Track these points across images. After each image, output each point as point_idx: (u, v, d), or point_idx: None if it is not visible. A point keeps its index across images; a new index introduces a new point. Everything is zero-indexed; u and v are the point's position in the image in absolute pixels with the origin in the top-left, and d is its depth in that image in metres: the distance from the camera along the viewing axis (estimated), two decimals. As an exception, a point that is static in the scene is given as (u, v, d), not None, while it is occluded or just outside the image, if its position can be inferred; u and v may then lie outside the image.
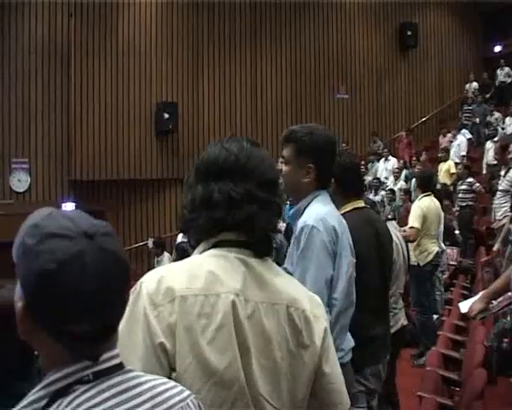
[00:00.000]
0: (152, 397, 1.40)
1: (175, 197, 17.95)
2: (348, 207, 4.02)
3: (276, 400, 1.76)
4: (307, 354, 1.82)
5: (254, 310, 1.74)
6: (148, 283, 1.72)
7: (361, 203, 4.15)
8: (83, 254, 1.29)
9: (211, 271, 1.74)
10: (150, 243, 14.75)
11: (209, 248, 1.83)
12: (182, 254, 9.78)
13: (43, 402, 1.30)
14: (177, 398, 1.46)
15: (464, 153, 16.58)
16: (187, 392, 1.52)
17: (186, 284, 1.70)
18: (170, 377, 1.59)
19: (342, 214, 3.95)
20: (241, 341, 1.69)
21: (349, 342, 3.32)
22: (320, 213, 3.17)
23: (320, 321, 1.88)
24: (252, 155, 1.86)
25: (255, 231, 1.81)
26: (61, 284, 1.28)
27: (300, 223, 3.18)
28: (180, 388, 1.51)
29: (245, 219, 1.78)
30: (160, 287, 1.69)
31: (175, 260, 10.49)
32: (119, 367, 1.41)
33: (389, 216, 7.03)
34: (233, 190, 1.78)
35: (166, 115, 17.72)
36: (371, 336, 3.90)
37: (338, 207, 4.06)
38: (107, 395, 1.33)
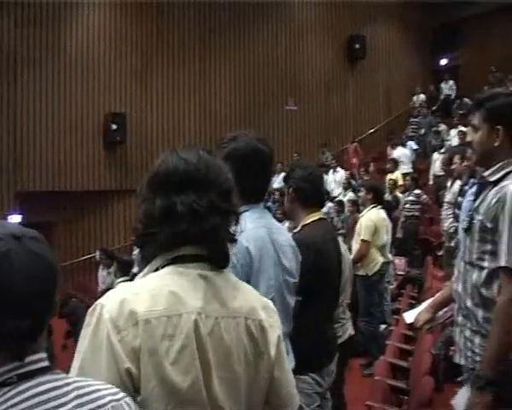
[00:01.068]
0: (77, 397, 1.42)
1: (123, 209, 17.82)
2: (311, 218, 4.04)
3: None
4: (263, 363, 1.85)
5: (214, 325, 1.74)
6: (109, 306, 1.67)
7: (321, 214, 4.21)
8: (11, 253, 1.37)
9: (172, 291, 1.71)
10: (97, 254, 14.61)
11: (167, 264, 1.79)
12: (125, 267, 9.71)
13: None
14: (109, 398, 1.47)
15: (395, 156, 16.70)
16: (122, 393, 1.52)
17: (148, 306, 1.67)
18: (135, 401, 1.58)
19: (306, 225, 4.02)
20: (203, 358, 1.69)
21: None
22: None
23: (274, 329, 1.90)
24: (210, 164, 1.83)
25: (218, 242, 1.80)
26: None
27: None
28: (116, 389, 1.52)
29: (209, 230, 1.76)
30: (122, 310, 1.65)
31: (117, 273, 10.25)
32: (47, 370, 1.43)
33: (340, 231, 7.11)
34: (196, 203, 1.75)
35: (114, 126, 17.59)
36: (327, 338, 4.12)
37: (298, 218, 4.11)
38: (26, 395, 1.35)
